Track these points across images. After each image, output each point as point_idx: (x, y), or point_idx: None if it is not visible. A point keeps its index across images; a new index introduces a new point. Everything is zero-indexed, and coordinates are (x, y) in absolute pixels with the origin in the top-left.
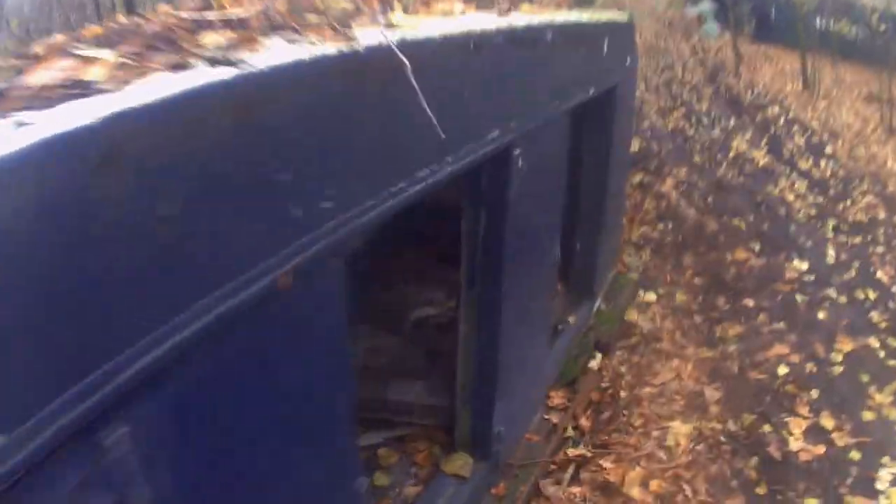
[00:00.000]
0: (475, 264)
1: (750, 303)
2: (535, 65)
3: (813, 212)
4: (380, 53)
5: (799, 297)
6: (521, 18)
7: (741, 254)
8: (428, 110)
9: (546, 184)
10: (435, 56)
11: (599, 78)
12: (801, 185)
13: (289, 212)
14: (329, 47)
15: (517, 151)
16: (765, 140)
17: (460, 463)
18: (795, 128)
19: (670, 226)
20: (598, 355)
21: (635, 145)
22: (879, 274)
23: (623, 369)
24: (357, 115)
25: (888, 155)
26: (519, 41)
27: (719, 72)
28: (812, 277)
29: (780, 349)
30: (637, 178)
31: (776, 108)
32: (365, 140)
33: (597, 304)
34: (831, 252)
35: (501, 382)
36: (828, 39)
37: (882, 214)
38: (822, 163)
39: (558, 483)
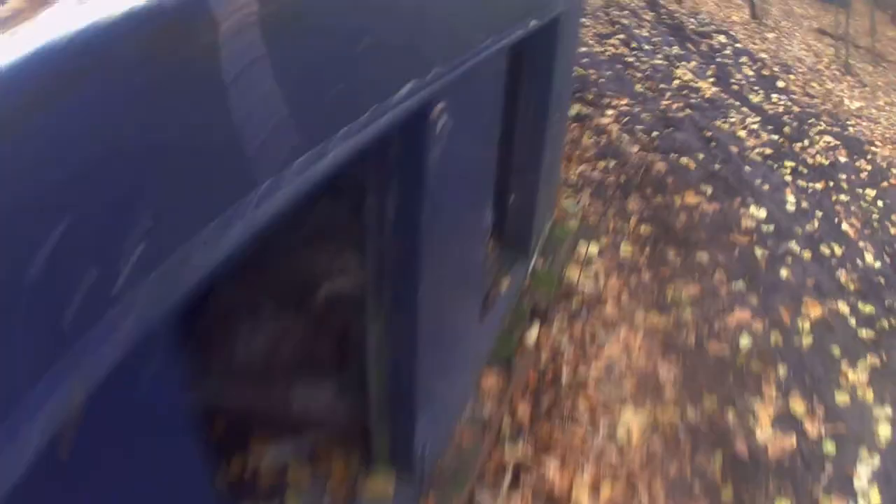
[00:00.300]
0: (384, 251)
1: (704, 257)
2: None
3: (768, 151)
4: None
5: (759, 252)
6: None
7: (692, 198)
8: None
9: (477, 141)
10: None
11: (542, 6)
12: (753, 121)
13: None
14: None
15: (439, 107)
16: (711, 70)
17: (381, 483)
18: (744, 59)
19: (612, 164)
20: (536, 325)
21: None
22: (845, 226)
23: (563, 341)
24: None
25: (844, 93)
26: None
27: None
28: (771, 228)
29: (741, 315)
30: (574, 109)
31: (722, 38)
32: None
33: (532, 263)
34: (791, 199)
35: (422, 389)
36: None
37: (843, 158)
38: (775, 97)
39: (495, 492)
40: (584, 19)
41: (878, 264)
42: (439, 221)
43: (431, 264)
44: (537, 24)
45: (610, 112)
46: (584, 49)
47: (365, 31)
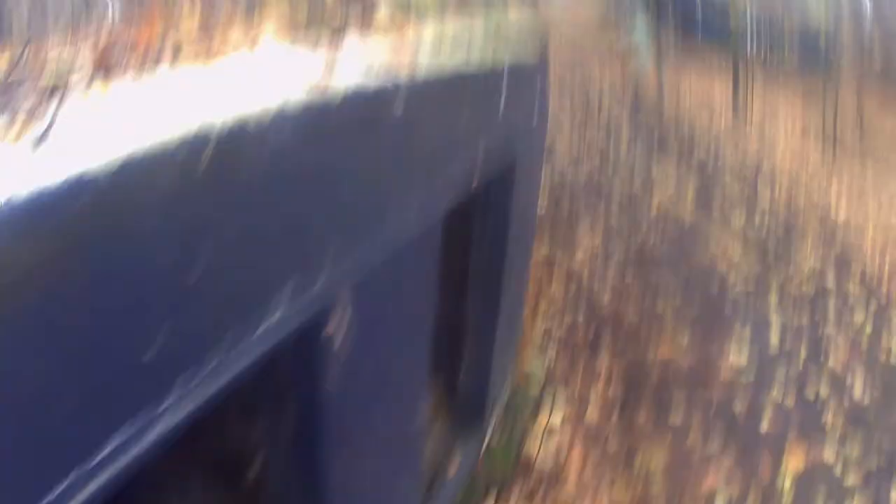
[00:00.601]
0: (286, 466)
1: (678, 419)
2: (374, 160)
3: (751, 285)
4: None
5: (738, 406)
6: (353, 72)
7: (667, 351)
8: None
9: (403, 322)
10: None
11: (489, 157)
12: (735, 249)
13: None
14: None
15: (340, 314)
16: (691, 193)
17: None
18: (727, 178)
19: (581, 317)
20: None
21: (541, 205)
22: (832, 362)
23: None
24: None
25: (831, 202)
26: (343, 120)
27: (640, 107)
28: (752, 376)
29: (715, 480)
30: (542, 251)
31: (703, 150)
32: None
33: (487, 438)
34: (774, 339)
35: None
36: (765, 66)
37: (830, 282)
38: (758, 217)
39: None
40: (559, 139)
41: (867, 399)
42: (350, 433)
43: (343, 475)
44: (483, 182)
45: (581, 253)
46: (556, 177)
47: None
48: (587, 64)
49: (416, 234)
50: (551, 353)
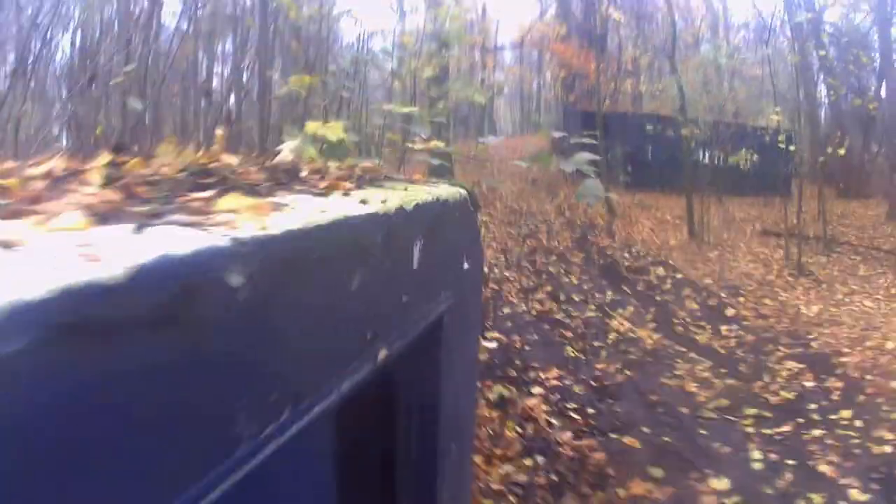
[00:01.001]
0: None
1: None
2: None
3: (724, 402)
4: None
5: None
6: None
7: (639, 488)
8: None
9: None
10: None
11: (403, 321)
12: (702, 369)
13: None
14: None
15: None
16: (651, 314)
17: None
18: (686, 290)
19: (541, 460)
20: None
21: (491, 343)
22: (822, 467)
23: None
24: None
25: (800, 300)
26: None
27: (589, 233)
28: (736, 498)
29: None
30: (494, 392)
31: (660, 270)
32: None
33: None
34: (756, 454)
35: None
36: (718, 174)
37: (810, 382)
38: (725, 329)
39: None
40: (507, 272)
41: (865, 497)
42: None
43: None
44: (393, 351)
45: (537, 390)
46: (507, 310)
47: None
48: (534, 196)
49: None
50: (510, 502)
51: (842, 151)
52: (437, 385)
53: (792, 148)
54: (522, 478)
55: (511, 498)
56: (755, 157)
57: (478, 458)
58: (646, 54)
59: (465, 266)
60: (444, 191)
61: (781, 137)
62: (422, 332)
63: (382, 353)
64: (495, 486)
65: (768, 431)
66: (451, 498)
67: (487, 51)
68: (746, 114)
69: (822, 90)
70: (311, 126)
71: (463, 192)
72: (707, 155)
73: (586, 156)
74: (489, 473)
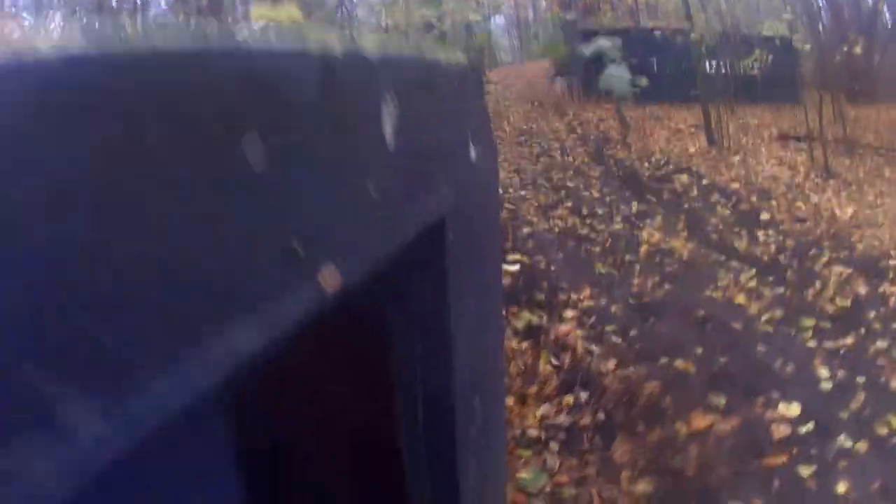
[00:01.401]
0: None
1: None
2: None
3: (778, 314)
4: None
5: (803, 470)
6: None
7: (700, 419)
8: None
9: None
10: None
11: (373, 225)
12: (748, 278)
13: None
14: None
15: None
16: (681, 223)
17: None
18: (714, 196)
19: (583, 396)
20: None
21: (513, 266)
22: (895, 383)
23: None
24: None
25: (832, 202)
26: None
27: (605, 146)
28: (811, 426)
29: None
30: (522, 320)
31: (684, 177)
32: None
33: None
34: (823, 372)
35: None
36: (728, 82)
37: (863, 288)
38: (762, 235)
39: None
40: (522, 192)
41: None
42: None
43: None
44: (344, 277)
45: (570, 313)
46: (526, 230)
47: None
48: (542, 116)
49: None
50: (553, 452)
51: (858, 49)
52: (444, 318)
53: (807, 47)
54: (564, 419)
55: (553, 445)
56: (769, 57)
57: (509, 400)
58: None
59: (473, 156)
60: (433, 51)
61: (797, 35)
62: (412, 243)
63: (332, 276)
64: (533, 433)
65: (830, 344)
66: (479, 474)
67: None
68: (750, 24)
69: None
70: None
71: (461, 58)
72: (715, 64)
73: (605, 41)
74: (525, 417)
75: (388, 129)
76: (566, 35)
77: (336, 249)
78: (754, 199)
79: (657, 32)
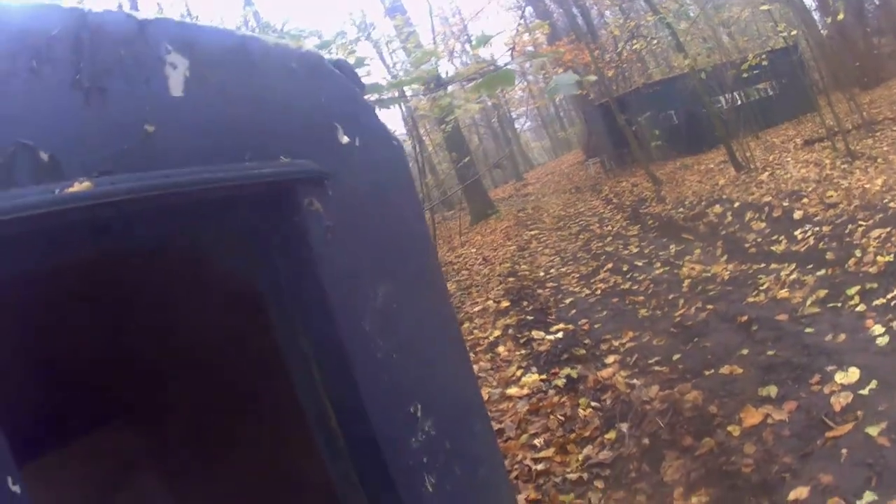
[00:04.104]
0: None
1: (804, 492)
2: None
3: (822, 293)
4: None
5: (872, 430)
6: None
7: (753, 416)
8: None
9: None
10: None
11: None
12: (789, 272)
13: None
14: None
15: None
16: (720, 248)
17: None
18: (748, 214)
19: (626, 427)
20: None
21: (555, 335)
22: None
23: None
24: None
25: (861, 179)
26: None
27: (640, 206)
28: (873, 384)
29: None
30: (561, 378)
31: (716, 208)
32: None
33: None
34: (877, 329)
35: None
36: (743, 111)
37: None
38: (799, 233)
39: None
40: (563, 269)
41: None
42: None
43: None
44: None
45: (611, 358)
46: (568, 301)
47: None
48: (580, 199)
49: None
50: (598, 489)
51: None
52: (320, 312)
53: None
54: (607, 454)
55: (597, 484)
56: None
57: (549, 452)
58: (630, 20)
59: (344, 139)
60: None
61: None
62: (237, 208)
63: None
64: (572, 476)
65: (880, 301)
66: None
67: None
68: (749, 48)
69: None
70: None
71: (314, 51)
72: (727, 97)
73: (567, 76)
74: (566, 464)
75: (175, 82)
76: (586, 113)
77: None
78: (786, 203)
79: (663, 88)
